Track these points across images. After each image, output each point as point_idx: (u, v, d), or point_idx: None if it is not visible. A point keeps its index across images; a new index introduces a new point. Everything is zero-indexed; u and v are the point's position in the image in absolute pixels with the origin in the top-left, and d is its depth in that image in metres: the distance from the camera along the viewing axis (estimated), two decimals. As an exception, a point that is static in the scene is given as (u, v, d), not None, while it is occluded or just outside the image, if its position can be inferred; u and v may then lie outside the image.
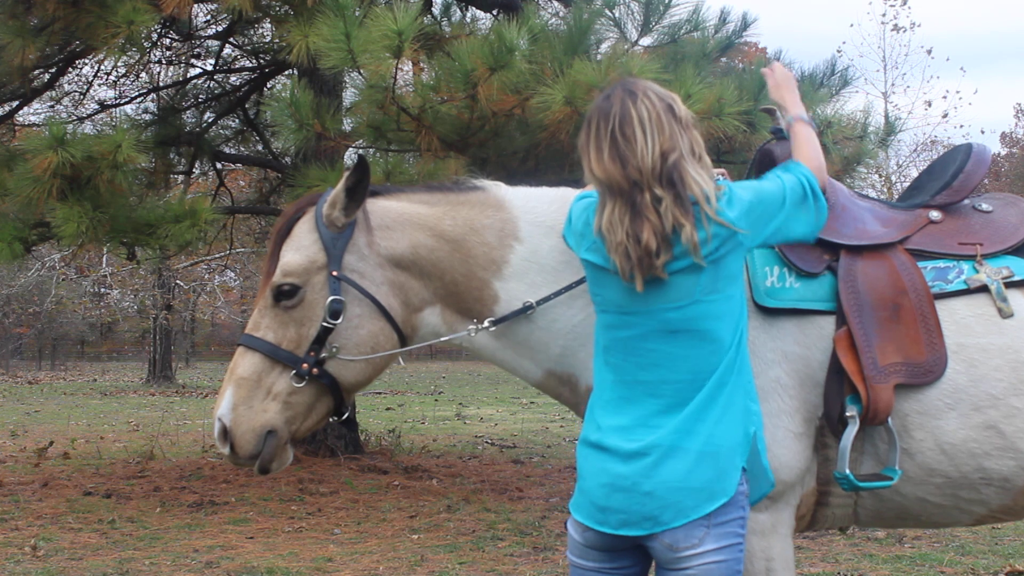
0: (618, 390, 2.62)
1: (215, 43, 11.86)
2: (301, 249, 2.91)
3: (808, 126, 2.91)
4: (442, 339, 3.02)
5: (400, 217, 2.98)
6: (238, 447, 2.85)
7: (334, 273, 2.87)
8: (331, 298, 2.85)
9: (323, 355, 2.87)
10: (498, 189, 3.09)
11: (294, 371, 2.86)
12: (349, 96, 8.97)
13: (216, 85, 12.12)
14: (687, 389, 2.54)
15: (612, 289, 2.61)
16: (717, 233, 2.51)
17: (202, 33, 11.67)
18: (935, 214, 3.15)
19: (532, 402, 19.88)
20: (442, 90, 7.25)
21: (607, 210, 2.56)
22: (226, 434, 2.86)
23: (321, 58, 6.89)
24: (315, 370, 2.87)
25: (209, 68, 12.12)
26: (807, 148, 2.86)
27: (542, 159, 7.75)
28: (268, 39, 11.47)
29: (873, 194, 16.00)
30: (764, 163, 3.23)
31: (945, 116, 29.75)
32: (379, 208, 2.98)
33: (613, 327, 2.63)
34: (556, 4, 10.72)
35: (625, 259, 2.52)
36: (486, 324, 2.96)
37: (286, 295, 2.88)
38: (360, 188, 2.89)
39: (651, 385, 2.57)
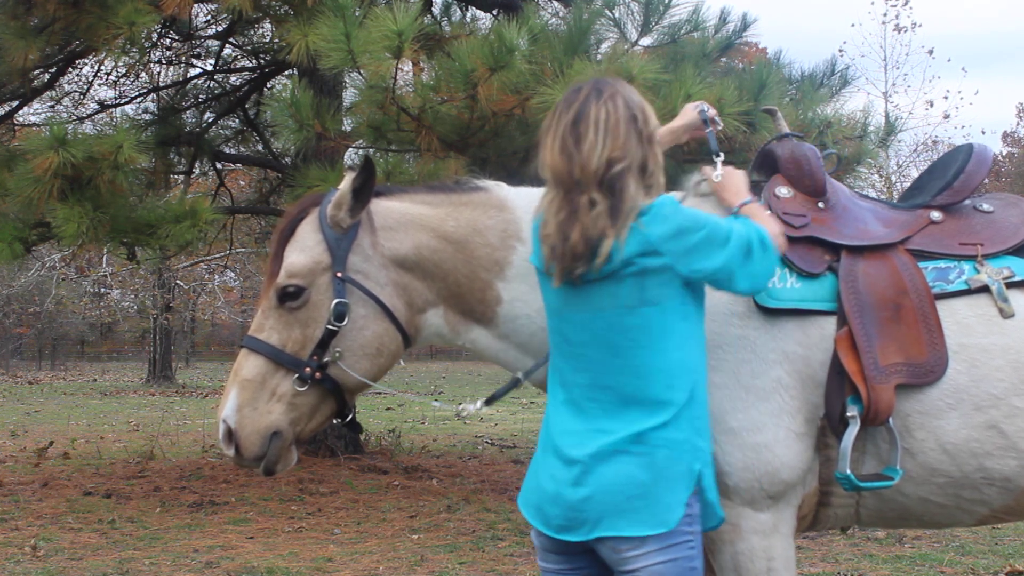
0: (563, 394, 2.64)
1: (215, 43, 11.86)
2: (305, 250, 2.90)
3: (755, 203, 2.83)
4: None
5: (403, 218, 2.98)
6: (243, 449, 2.85)
7: (338, 274, 2.87)
8: (336, 301, 2.84)
9: (326, 359, 2.87)
10: (500, 189, 3.09)
11: (297, 375, 2.86)
12: (349, 96, 8.96)
13: (216, 85, 12.12)
14: (627, 403, 2.53)
15: (550, 293, 2.64)
16: (639, 251, 2.48)
17: (202, 33, 11.67)
18: (936, 214, 3.15)
19: (532, 402, 19.87)
20: (442, 90, 7.25)
21: (547, 199, 2.60)
22: (231, 436, 2.85)
23: (321, 58, 6.89)
24: (318, 374, 2.86)
25: (209, 68, 12.13)
26: (765, 218, 2.77)
27: (542, 159, 7.74)
28: (268, 39, 11.47)
29: (873, 194, 16.00)
30: (765, 163, 3.24)
31: (947, 117, 29.75)
32: (382, 209, 2.98)
33: (554, 331, 2.66)
34: (556, 4, 10.71)
35: (550, 252, 2.55)
36: (479, 405, 3.01)
37: (291, 296, 2.88)
38: (366, 189, 2.88)
39: (590, 392, 2.57)
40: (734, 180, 2.94)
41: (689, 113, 3.20)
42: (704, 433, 2.59)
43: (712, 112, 3.18)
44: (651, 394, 2.52)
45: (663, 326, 2.52)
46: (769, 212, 2.91)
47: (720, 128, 3.17)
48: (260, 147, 12.23)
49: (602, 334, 2.55)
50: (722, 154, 3.08)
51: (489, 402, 3.06)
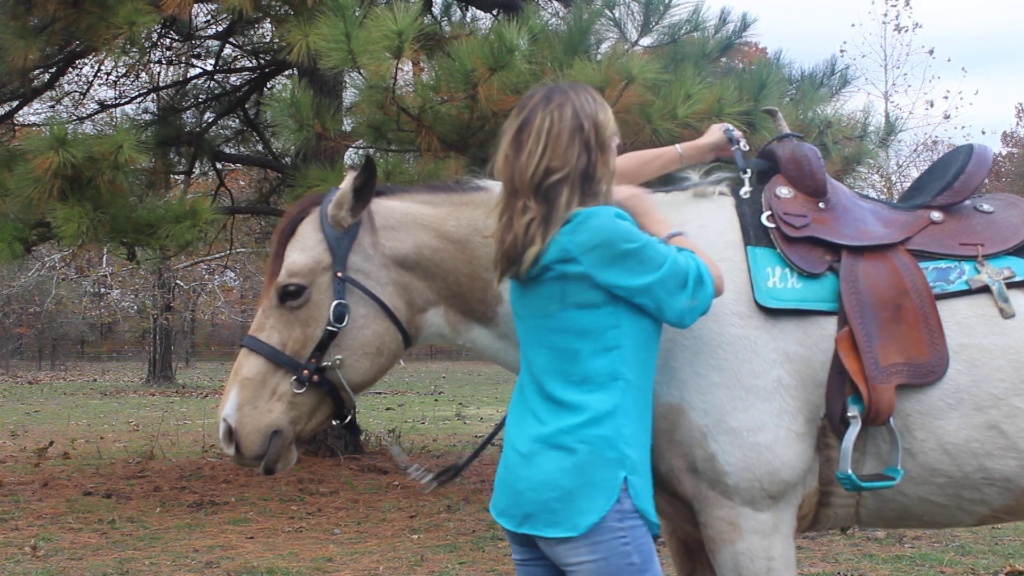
0: (518, 388, 2.73)
1: (215, 43, 11.86)
2: (306, 249, 2.91)
3: (683, 236, 2.73)
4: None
5: (404, 217, 2.99)
6: (244, 448, 2.85)
7: (339, 274, 2.87)
8: (335, 302, 2.85)
9: (324, 364, 2.86)
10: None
11: (294, 377, 2.87)
12: (349, 96, 8.97)
13: (216, 85, 12.12)
14: (550, 401, 2.60)
15: (511, 289, 2.74)
16: (558, 257, 2.54)
17: (202, 33, 11.68)
18: (936, 215, 3.15)
19: (532, 402, 19.87)
20: (442, 90, 7.25)
21: (497, 200, 2.70)
22: (231, 435, 2.85)
23: (321, 58, 6.89)
24: (315, 377, 2.87)
25: (209, 68, 12.13)
26: (705, 257, 2.71)
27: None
28: (268, 39, 11.47)
29: (873, 194, 16.03)
30: (766, 164, 3.23)
31: (947, 117, 29.81)
32: (383, 208, 2.98)
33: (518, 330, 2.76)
34: (556, 4, 10.71)
35: (494, 252, 2.68)
36: (431, 478, 2.99)
37: (292, 295, 2.88)
38: (367, 188, 2.89)
39: (530, 388, 2.66)
40: (645, 205, 2.83)
41: (715, 132, 3.24)
42: (635, 443, 2.59)
43: (738, 133, 3.21)
44: (566, 396, 2.57)
45: (583, 332, 2.57)
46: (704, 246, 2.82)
47: (747, 150, 3.19)
48: (260, 147, 12.23)
49: (531, 333, 2.66)
50: (749, 171, 3.12)
51: (440, 476, 3.03)
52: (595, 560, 2.52)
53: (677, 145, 3.22)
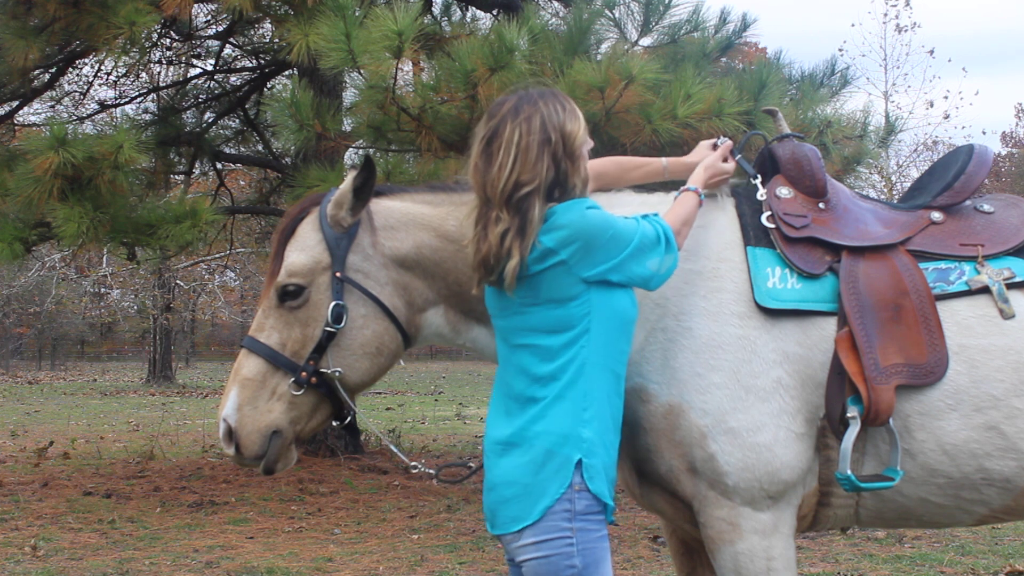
0: (493, 392, 2.80)
1: (215, 43, 11.86)
2: (306, 249, 2.91)
3: (694, 196, 2.92)
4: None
5: (404, 217, 2.99)
6: (243, 447, 2.85)
7: (337, 274, 2.87)
8: (333, 303, 2.85)
9: (322, 368, 2.87)
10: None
11: (292, 379, 2.87)
12: (349, 96, 8.97)
13: (216, 85, 12.12)
14: (516, 399, 2.66)
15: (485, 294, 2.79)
16: (536, 256, 2.58)
17: (202, 33, 11.68)
18: (936, 215, 3.15)
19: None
20: (442, 90, 7.25)
21: (470, 206, 2.73)
22: (231, 435, 2.86)
23: (321, 58, 6.89)
24: (313, 379, 2.87)
25: (209, 68, 12.13)
26: (679, 209, 2.85)
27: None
28: (268, 39, 11.48)
29: (873, 194, 16.04)
30: (766, 164, 3.23)
31: (947, 116, 29.76)
32: (383, 208, 2.99)
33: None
34: (556, 4, 10.72)
35: (470, 258, 2.71)
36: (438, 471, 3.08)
37: (291, 295, 2.89)
38: (366, 188, 2.90)
39: (498, 388, 2.73)
40: (711, 166, 3.05)
41: (702, 150, 3.23)
42: (591, 424, 2.62)
43: (728, 142, 3.23)
44: (531, 392, 2.62)
45: (554, 328, 2.61)
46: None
47: (733, 158, 3.19)
48: (260, 147, 12.24)
49: (503, 333, 2.71)
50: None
51: (445, 469, 3.11)
52: (538, 557, 2.57)
53: (664, 159, 3.25)
